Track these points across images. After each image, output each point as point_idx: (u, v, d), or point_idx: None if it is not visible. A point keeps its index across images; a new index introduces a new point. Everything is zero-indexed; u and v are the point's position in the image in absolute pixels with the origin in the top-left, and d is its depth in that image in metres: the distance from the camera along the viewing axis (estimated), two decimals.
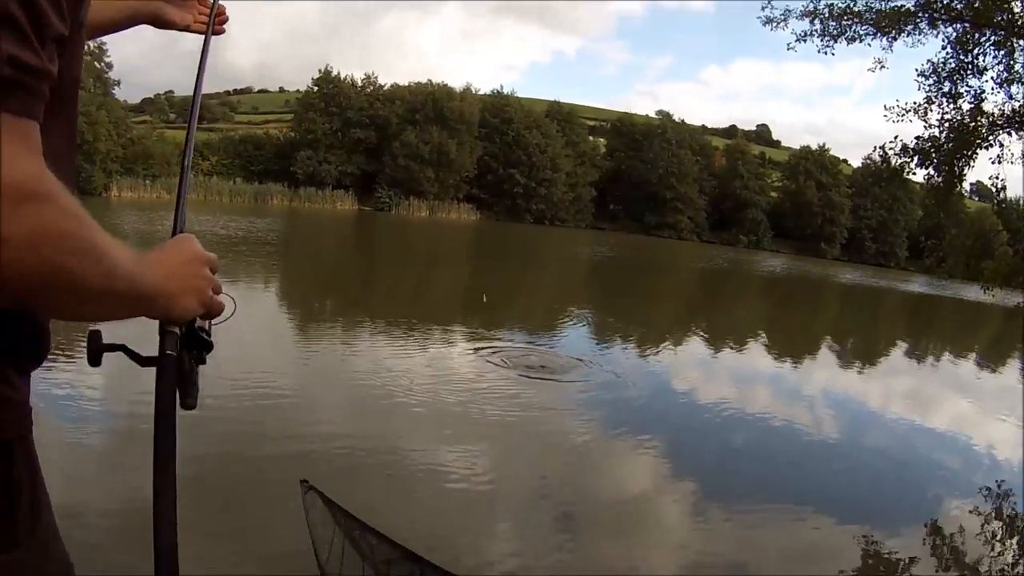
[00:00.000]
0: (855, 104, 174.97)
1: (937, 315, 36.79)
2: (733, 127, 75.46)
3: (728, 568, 5.86)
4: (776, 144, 77.81)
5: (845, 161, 69.37)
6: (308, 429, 7.21)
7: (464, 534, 5.56)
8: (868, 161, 58.49)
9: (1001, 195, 13.71)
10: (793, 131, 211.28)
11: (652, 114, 63.91)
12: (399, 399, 8.67)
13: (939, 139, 12.64)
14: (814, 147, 66.54)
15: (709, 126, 71.69)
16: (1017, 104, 12.00)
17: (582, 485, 7.09)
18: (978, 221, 64.66)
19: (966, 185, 15.59)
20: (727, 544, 6.26)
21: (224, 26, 1.62)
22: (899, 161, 13.47)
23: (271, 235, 31.92)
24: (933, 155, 13.02)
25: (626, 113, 64.25)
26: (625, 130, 62.56)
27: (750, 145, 67.18)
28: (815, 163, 65.20)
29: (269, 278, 19.03)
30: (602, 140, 64.31)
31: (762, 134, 79.79)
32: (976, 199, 75.61)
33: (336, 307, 15.77)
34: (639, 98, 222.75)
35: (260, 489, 5.67)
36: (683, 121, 63.55)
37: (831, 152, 66.80)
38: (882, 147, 13.51)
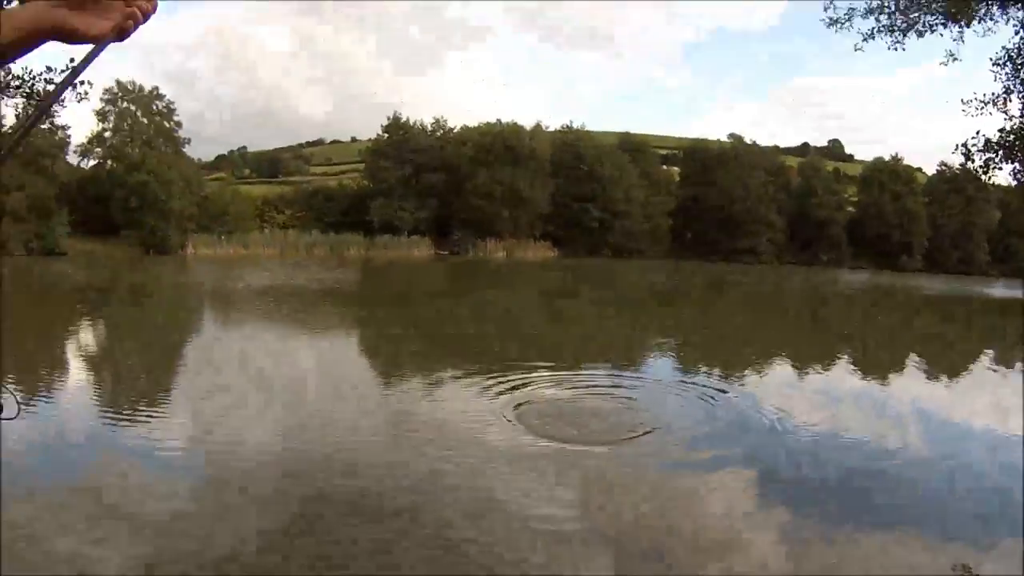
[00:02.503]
0: (924, 112, 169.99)
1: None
2: (805, 144, 74.69)
3: None
4: (849, 158, 76.39)
5: (919, 170, 67.94)
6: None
7: None
8: (943, 167, 56.36)
9: None
10: (866, 143, 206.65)
11: (724, 138, 63.13)
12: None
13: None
14: (887, 158, 65.26)
15: (781, 146, 70.83)
16: None
17: (669, 524, 6.96)
18: None
19: None
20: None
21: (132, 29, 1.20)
22: (983, 157, 12.87)
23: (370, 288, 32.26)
24: (1018, 146, 12.44)
25: (698, 139, 63.66)
26: (698, 156, 62.07)
27: (824, 161, 66.22)
28: (889, 174, 63.91)
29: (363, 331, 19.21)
30: (676, 168, 63.88)
31: (834, 149, 78.26)
32: None
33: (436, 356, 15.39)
34: (709, 123, 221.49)
35: None
36: (755, 143, 62.83)
37: (904, 161, 65.54)
38: (964, 144, 12.76)
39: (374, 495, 7.00)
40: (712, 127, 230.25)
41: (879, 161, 64.91)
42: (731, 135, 61.57)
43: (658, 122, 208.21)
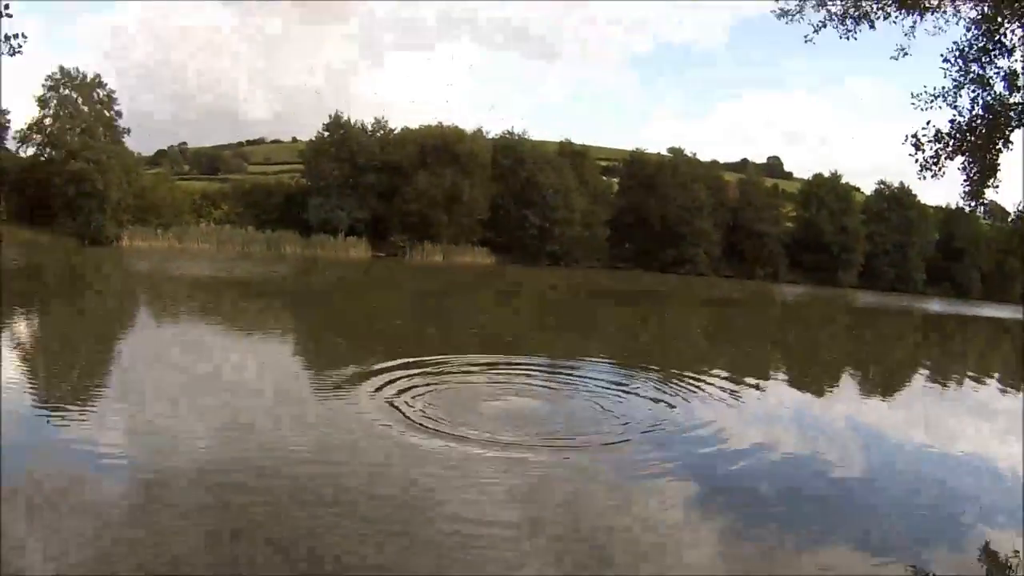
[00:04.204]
0: (864, 134, 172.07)
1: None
2: (744, 160, 75.45)
3: None
4: (788, 176, 77.45)
5: (857, 189, 69.12)
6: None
7: None
8: (881, 186, 57.53)
9: None
10: (804, 164, 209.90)
11: (664, 151, 63.50)
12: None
13: (976, 120, 11.86)
14: (826, 175, 66.26)
15: (721, 161, 71.51)
16: None
17: (586, 532, 6.78)
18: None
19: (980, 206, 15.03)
20: None
21: None
22: (934, 148, 12.89)
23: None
24: (969, 138, 12.44)
25: (637, 150, 63.88)
26: (637, 168, 62.23)
27: (762, 177, 67.04)
28: (828, 191, 64.89)
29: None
30: (615, 179, 64.02)
31: (774, 167, 79.38)
32: (988, 220, 75.43)
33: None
34: (650, 138, 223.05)
35: None
36: (695, 155, 63.39)
37: (843, 180, 66.61)
38: (914, 135, 12.81)
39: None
40: (653, 141, 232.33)
41: (818, 177, 65.88)
42: (671, 148, 62.03)
43: (599, 134, 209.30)
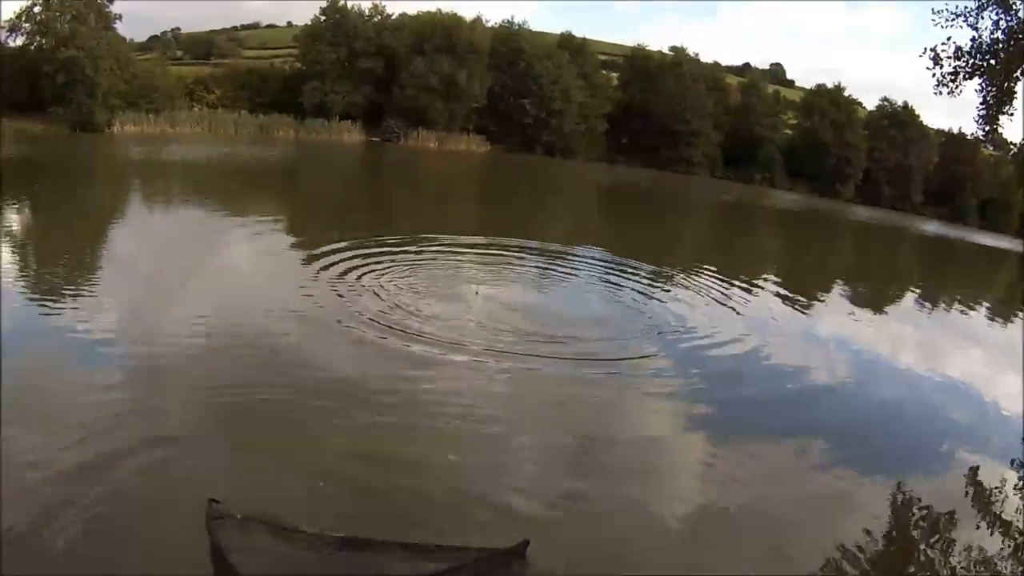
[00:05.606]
0: (873, 50, 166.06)
1: None
2: (747, 65, 74.16)
3: (750, 517, 5.97)
4: (790, 84, 76.22)
5: (860, 104, 68.06)
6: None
7: None
8: (884, 102, 56.32)
9: None
10: (808, 73, 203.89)
11: (666, 50, 62.24)
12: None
13: (997, 44, 11.56)
14: (830, 86, 65.23)
15: (723, 64, 70.14)
16: None
17: (585, 431, 7.51)
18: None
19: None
20: (745, 492, 6.37)
21: None
22: (952, 64, 12.14)
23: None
24: (989, 61, 11.68)
25: (639, 46, 62.63)
26: (639, 64, 61.07)
27: (765, 82, 65.99)
28: (830, 101, 63.92)
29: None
30: (615, 74, 62.89)
31: (776, 73, 77.99)
32: (990, 148, 74.56)
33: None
34: (654, 35, 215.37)
35: None
36: (697, 56, 62.23)
37: (847, 92, 65.54)
38: (933, 48, 12.12)
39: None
40: (654, 41, 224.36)
41: (821, 88, 64.88)
42: (672, 47, 60.88)
43: (602, 29, 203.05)
